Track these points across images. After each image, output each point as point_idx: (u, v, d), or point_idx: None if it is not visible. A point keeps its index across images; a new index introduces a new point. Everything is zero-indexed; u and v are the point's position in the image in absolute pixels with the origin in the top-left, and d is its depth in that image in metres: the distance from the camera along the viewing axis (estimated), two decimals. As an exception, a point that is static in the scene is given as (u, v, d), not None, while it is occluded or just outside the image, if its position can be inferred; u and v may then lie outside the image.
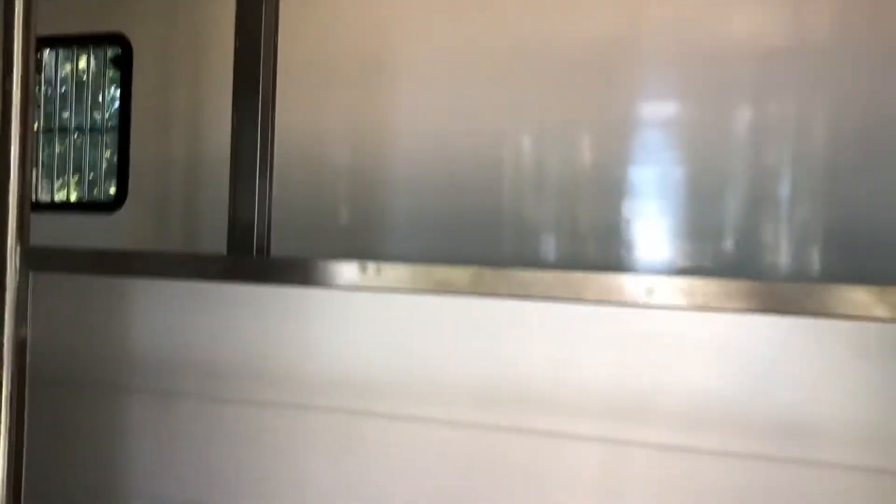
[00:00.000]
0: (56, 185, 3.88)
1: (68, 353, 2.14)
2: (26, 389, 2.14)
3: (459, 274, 1.78)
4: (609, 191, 3.17)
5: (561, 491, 1.72)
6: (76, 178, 3.85)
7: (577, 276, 1.71)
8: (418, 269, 1.80)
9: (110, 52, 3.79)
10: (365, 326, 1.87)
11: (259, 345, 1.93)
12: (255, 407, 1.96)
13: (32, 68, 2.15)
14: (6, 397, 2.12)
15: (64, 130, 3.87)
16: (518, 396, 1.75)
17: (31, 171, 2.18)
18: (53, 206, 3.81)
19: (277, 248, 3.16)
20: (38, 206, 3.79)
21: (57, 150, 3.88)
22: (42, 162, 3.87)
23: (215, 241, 3.13)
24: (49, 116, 3.88)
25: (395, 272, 1.82)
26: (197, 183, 3.66)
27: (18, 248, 2.14)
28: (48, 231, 3.74)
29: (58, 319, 2.15)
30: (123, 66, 3.69)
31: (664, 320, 1.65)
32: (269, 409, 1.94)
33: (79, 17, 3.77)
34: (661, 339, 1.66)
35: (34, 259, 2.14)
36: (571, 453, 1.72)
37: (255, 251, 3.29)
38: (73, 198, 3.86)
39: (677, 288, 1.62)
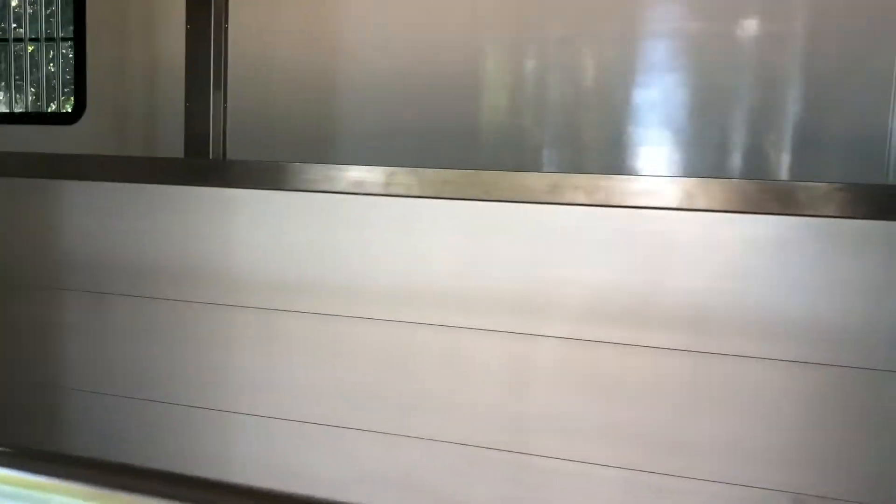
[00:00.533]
0: (15, 97, 3.86)
1: (9, 256, 2.19)
2: (-31, 292, 2.20)
3: (374, 175, 1.81)
4: (609, 103, 3.03)
5: (470, 382, 1.80)
6: (34, 89, 3.83)
7: (486, 175, 1.74)
8: (333, 170, 1.83)
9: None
10: (287, 226, 1.91)
11: (180, 245, 1.98)
12: (188, 305, 2.02)
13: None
14: (-50, 299, 2.19)
15: (20, 41, 3.83)
16: (431, 293, 1.80)
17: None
18: (13, 118, 3.80)
19: (236, 157, 3.16)
20: (-2, 118, 3.80)
21: (14, 60, 3.85)
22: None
23: (177, 152, 3.14)
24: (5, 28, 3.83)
25: (312, 172, 1.86)
26: (156, 93, 3.64)
27: (-48, 154, 2.17)
28: (7, 143, 3.75)
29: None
30: (75, -27, 3.62)
31: (567, 217, 1.69)
32: (199, 306, 2.00)
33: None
34: (564, 235, 1.70)
35: (-30, 165, 2.18)
36: (481, 346, 1.78)
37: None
38: (38, 108, 3.84)
39: (577, 185, 1.66)
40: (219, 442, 2.02)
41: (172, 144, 3.15)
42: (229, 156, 3.11)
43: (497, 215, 1.74)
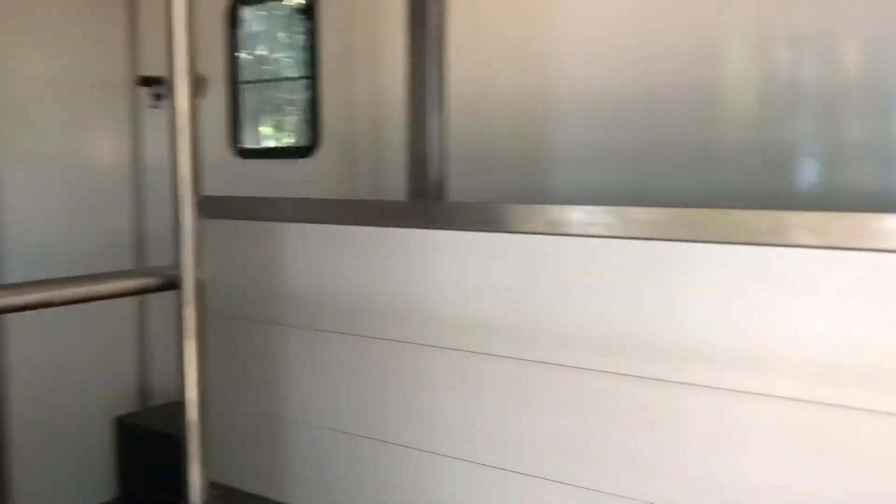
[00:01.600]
0: (260, 133, 4.21)
1: (240, 292, 2.35)
2: (206, 325, 2.39)
3: (572, 215, 1.70)
4: (881, 109, 2.54)
5: (676, 438, 1.63)
6: (275, 125, 4.16)
7: (695, 213, 1.57)
8: (530, 210, 1.75)
9: (299, 2, 3.99)
10: (488, 268, 1.86)
11: (388, 285, 2.00)
12: (393, 344, 2.04)
13: (186, 23, 2.28)
14: (190, 332, 2.38)
15: (262, 81, 4.17)
16: (636, 342, 1.66)
17: (199, 126, 2.38)
18: (257, 153, 4.14)
19: (455, 184, 3.19)
20: (245, 153, 4.16)
21: (258, 99, 4.20)
22: (246, 111, 4.21)
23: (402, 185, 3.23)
24: (251, 68, 4.20)
25: (510, 213, 1.79)
26: (382, 126, 3.79)
27: (192, 197, 2.36)
28: (254, 176, 4.10)
29: (229, 261, 2.36)
30: (310, 15, 3.87)
31: (795, 260, 1.47)
32: (405, 346, 2.01)
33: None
34: (790, 281, 1.48)
35: (206, 207, 2.36)
36: (693, 402, 1.61)
37: (433, 189, 3.37)
38: (277, 144, 4.17)
39: (806, 225, 1.44)
40: (424, 483, 2.01)
41: (398, 176, 3.25)
42: (450, 181, 3.15)
43: (709, 258, 1.56)
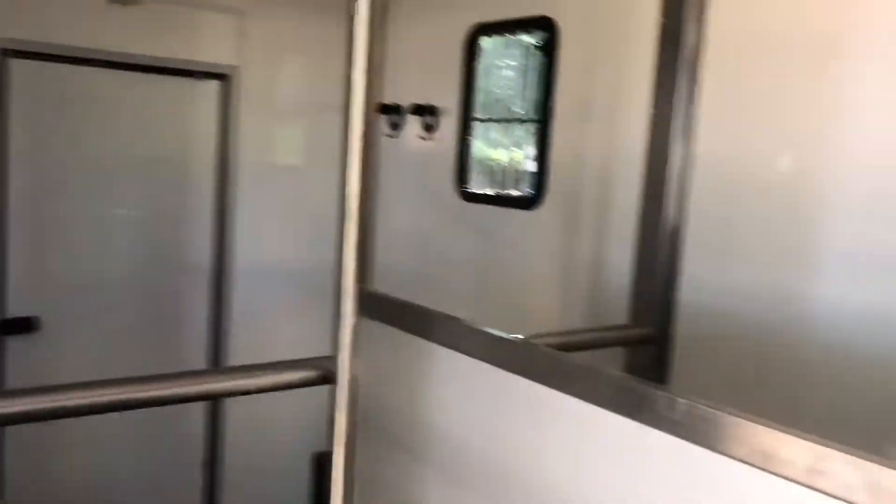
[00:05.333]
0: (482, 177, 3.90)
1: (389, 409, 2.03)
2: (357, 432, 2.11)
3: None
4: None
5: None
6: (501, 170, 3.81)
7: None
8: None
9: (536, 38, 3.59)
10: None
11: (558, 465, 1.55)
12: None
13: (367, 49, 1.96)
14: (340, 438, 2.13)
15: (493, 120, 3.84)
16: None
17: (375, 210, 2.09)
18: (480, 198, 3.83)
19: (692, 266, 2.71)
20: (469, 196, 3.88)
21: (490, 139, 3.88)
22: (473, 151, 3.91)
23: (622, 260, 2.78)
24: (486, 106, 3.89)
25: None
26: (613, 184, 3.30)
27: (355, 291, 2.09)
28: (474, 222, 3.80)
29: (382, 371, 2.05)
30: (547, 51, 3.46)
31: None
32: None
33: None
34: None
35: (368, 303, 2.07)
36: None
37: (663, 267, 2.86)
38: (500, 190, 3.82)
39: None
40: None
41: (624, 242, 2.77)
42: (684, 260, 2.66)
43: None
